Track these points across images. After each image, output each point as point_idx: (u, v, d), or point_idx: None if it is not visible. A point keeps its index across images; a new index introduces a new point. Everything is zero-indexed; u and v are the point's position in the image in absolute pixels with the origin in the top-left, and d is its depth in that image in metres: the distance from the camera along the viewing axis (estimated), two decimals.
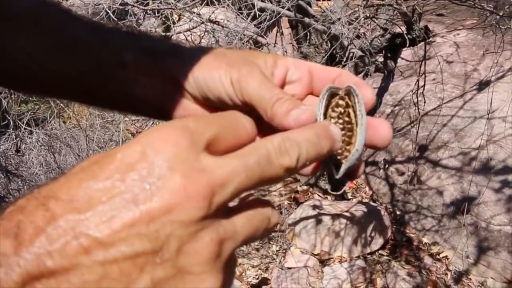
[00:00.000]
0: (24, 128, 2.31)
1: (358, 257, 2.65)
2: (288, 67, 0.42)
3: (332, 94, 0.39)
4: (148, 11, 2.57)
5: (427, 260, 2.65)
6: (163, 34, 3.07)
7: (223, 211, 0.28)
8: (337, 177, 0.38)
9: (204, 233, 0.26)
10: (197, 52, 0.43)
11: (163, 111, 0.44)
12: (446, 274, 2.58)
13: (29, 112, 2.43)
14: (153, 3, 2.27)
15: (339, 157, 0.37)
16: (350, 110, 0.38)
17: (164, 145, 0.26)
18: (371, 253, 2.68)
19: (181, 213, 0.25)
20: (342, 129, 0.37)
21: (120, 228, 0.25)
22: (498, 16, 2.13)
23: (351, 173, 0.39)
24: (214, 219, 0.27)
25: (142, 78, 0.43)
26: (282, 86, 0.42)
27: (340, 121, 0.38)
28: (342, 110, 0.38)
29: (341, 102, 0.39)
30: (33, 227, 0.24)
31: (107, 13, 2.31)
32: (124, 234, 0.25)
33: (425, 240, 2.78)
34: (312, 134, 0.32)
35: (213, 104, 0.42)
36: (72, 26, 0.45)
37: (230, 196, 0.27)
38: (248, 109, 0.40)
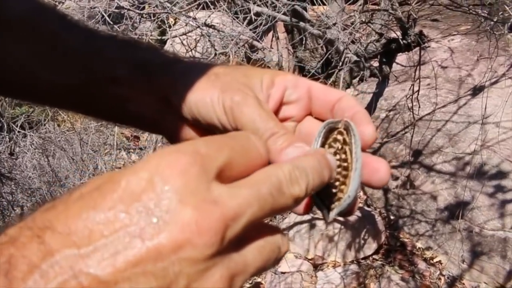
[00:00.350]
0: (18, 131, 2.30)
1: (352, 261, 2.65)
2: (287, 86, 0.41)
3: (331, 129, 0.38)
4: (144, 15, 2.57)
5: (421, 265, 2.65)
6: (159, 38, 3.07)
7: (234, 243, 0.26)
8: (328, 221, 0.36)
9: (214, 270, 0.25)
10: (189, 71, 0.41)
11: (158, 127, 0.44)
12: (439, 279, 2.58)
13: (23, 115, 2.42)
14: (149, 7, 2.27)
15: (333, 191, 0.36)
16: (347, 149, 0.37)
17: (173, 173, 0.24)
18: (365, 258, 2.68)
19: (192, 250, 0.24)
20: (338, 166, 0.36)
21: (124, 266, 0.23)
22: (492, 22, 2.14)
23: (344, 215, 0.37)
24: (225, 254, 0.25)
25: (135, 94, 0.42)
26: (279, 107, 0.41)
27: (337, 157, 0.37)
28: (340, 146, 0.37)
29: (339, 137, 0.37)
30: (26, 263, 0.22)
31: (103, 16, 2.31)
32: (129, 273, 0.23)
33: (418, 245, 2.79)
34: (316, 162, 0.31)
35: (204, 128, 0.41)
36: (67, 35, 0.44)
37: (242, 228, 0.26)
38: None
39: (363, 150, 0.37)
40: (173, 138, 0.44)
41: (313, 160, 0.31)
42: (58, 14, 0.45)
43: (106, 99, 0.43)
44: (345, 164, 0.36)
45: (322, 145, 0.37)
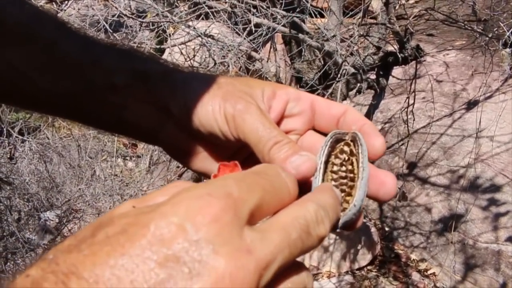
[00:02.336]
0: (16, 137, 2.31)
1: (347, 272, 2.66)
2: (289, 99, 0.40)
3: (337, 140, 0.37)
4: (144, 23, 2.59)
5: (415, 277, 2.66)
6: (157, 47, 3.09)
7: None
8: (337, 231, 0.35)
9: None
10: (190, 80, 0.41)
11: (155, 137, 0.43)
12: None
13: (22, 120, 2.43)
14: (151, 15, 2.29)
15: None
16: (354, 160, 0.36)
17: (205, 220, 0.23)
18: (360, 269, 2.69)
19: None
20: (344, 178, 0.36)
21: None
22: (487, 38, 2.18)
23: (349, 226, 0.36)
24: None
25: (133, 103, 0.41)
26: (281, 119, 0.40)
27: (343, 168, 0.36)
28: (346, 158, 0.37)
29: (346, 148, 0.37)
30: None
31: (103, 24, 2.33)
32: None
33: (413, 256, 2.80)
34: (333, 199, 0.31)
35: (205, 138, 0.40)
36: (65, 43, 0.42)
37: (274, 274, 0.25)
38: (240, 145, 0.39)
39: (371, 161, 0.36)
40: (171, 148, 0.43)
41: (330, 198, 0.31)
42: (57, 21, 0.44)
43: (104, 108, 0.42)
44: (351, 175, 0.36)
45: (328, 155, 0.37)
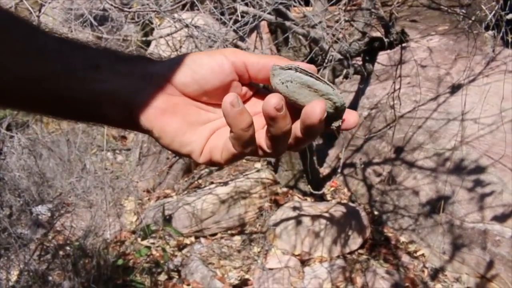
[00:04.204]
0: (4, 133, 2.30)
1: (338, 256, 2.70)
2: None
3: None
4: (129, 16, 2.58)
5: (405, 258, 2.71)
6: (143, 39, 3.09)
7: None
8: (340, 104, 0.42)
9: None
10: (173, 57, 0.46)
11: (130, 109, 0.44)
12: (423, 271, 2.65)
13: (10, 117, 2.41)
14: (136, 5, 2.29)
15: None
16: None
17: None
18: (351, 253, 2.73)
19: None
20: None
21: None
22: (470, 21, 2.22)
23: (339, 124, 0.43)
24: None
25: (114, 77, 0.43)
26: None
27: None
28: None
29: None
30: None
31: (87, 17, 2.32)
32: None
33: (402, 239, 2.85)
34: None
35: (200, 85, 0.45)
36: (43, 36, 0.43)
37: None
38: (233, 78, 0.45)
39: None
40: (149, 109, 0.45)
41: None
42: (31, 23, 0.44)
43: (81, 84, 0.43)
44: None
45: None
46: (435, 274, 2.62)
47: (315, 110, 0.39)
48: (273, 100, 0.39)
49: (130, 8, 2.06)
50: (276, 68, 0.43)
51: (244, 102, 0.47)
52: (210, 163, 0.46)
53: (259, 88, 0.48)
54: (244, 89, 0.47)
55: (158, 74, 0.44)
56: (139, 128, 0.46)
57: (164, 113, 0.45)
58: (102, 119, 0.46)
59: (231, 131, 0.41)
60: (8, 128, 2.36)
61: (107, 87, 0.43)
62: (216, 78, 0.45)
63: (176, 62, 0.45)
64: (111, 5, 1.66)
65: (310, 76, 0.41)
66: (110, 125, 0.48)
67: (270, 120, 0.40)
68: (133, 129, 0.46)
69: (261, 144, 0.43)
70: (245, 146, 0.42)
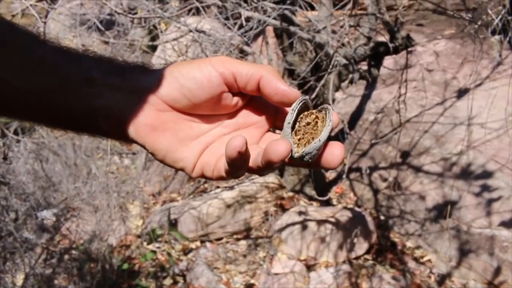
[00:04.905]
0: (11, 137, 2.31)
1: (344, 261, 2.68)
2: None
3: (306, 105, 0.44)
4: (135, 20, 2.60)
5: (411, 264, 2.70)
6: (150, 44, 3.10)
7: None
8: (295, 156, 0.43)
9: None
10: (163, 67, 0.46)
11: (123, 124, 0.44)
12: (429, 277, 2.63)
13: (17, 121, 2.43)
14: (141, 11, 2.30)
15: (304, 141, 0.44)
16: (320, 116, 0.44)
17: None
18: (357, 258, 2.72)
19: None
20: (307, 124, 0.44)
21: None
22: (476, 26, 2.21)
23: (308, 163, 0.43)
24: None
25: (107, 92, 0.44)
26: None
27: (310, 122, 0.44)
28: (314, 117, 0.44)
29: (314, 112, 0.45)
30: None
31: (94, 22, 2.33)
32: None
33: (408, 244, 2.84)
34: None
35: (189, 100, 0.44)
36: (40, 48, 0.44)
37: None
38: (223, 90, 0.44)
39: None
40: (141, 125, 0.45)
41: None
42: (31, 33, 0.45)
43: (77, 99, 0.43)
44: (316, 127, 0.43)
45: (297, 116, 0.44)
46: (442, 280, 2.60)
47: (278, 150, 0.40)
48: (237, 143, 0.40)
49: (135, 13, 2.07)
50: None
51: (235, 112, 0.48)
52: (203, 177, 0.46)
53: (252, 96, 0.47)
54: (235, 99, 0.46)
55: (148, 88, 0.44)
56: (134, 142, 0.46)
57: (155, 130, 0.45)
58: (101, 132, 0.47)
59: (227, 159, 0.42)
60: (15, 132, 2.38)
61: (101, 103, 0.44)
62: (205, 92, 0.44)
63: (164, 76, 0.44)
64: (116, 11, 1.67)
65: (288, 122, 0.43)
66: (108, 138, 0.48)
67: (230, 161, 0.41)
68: (129, 142, 0.47)
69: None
70: (236, 173, 0.43)
